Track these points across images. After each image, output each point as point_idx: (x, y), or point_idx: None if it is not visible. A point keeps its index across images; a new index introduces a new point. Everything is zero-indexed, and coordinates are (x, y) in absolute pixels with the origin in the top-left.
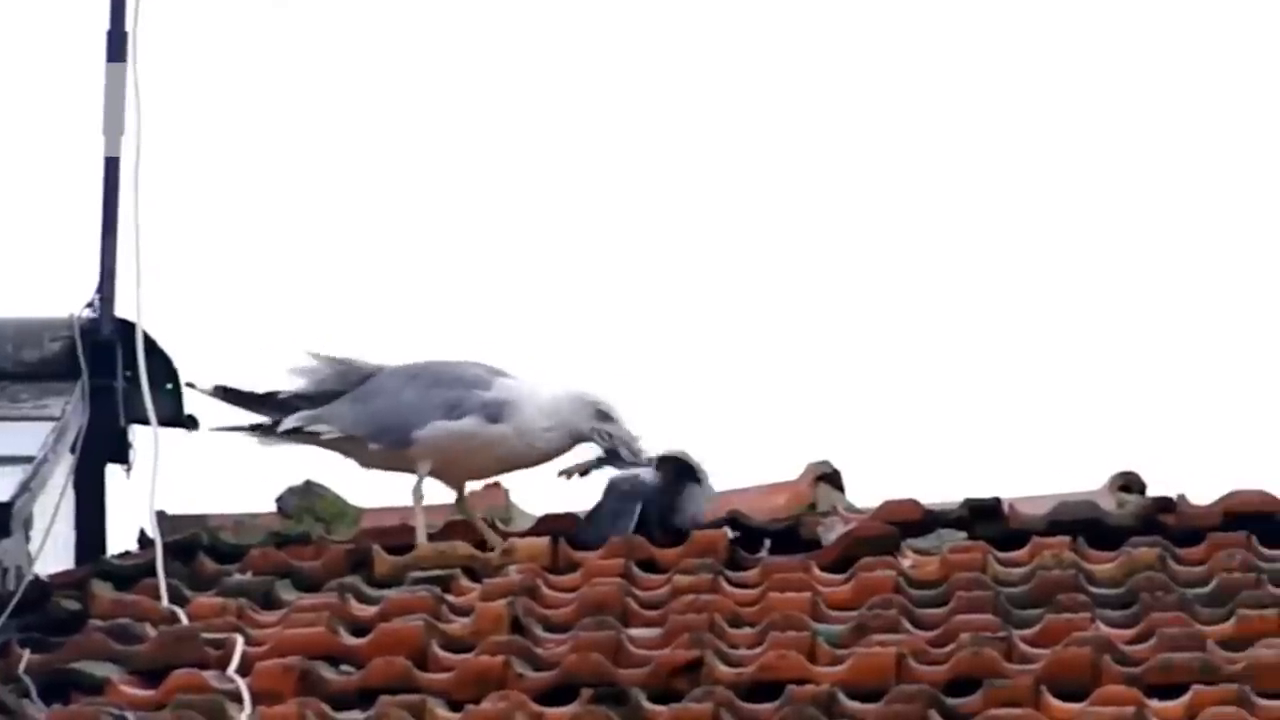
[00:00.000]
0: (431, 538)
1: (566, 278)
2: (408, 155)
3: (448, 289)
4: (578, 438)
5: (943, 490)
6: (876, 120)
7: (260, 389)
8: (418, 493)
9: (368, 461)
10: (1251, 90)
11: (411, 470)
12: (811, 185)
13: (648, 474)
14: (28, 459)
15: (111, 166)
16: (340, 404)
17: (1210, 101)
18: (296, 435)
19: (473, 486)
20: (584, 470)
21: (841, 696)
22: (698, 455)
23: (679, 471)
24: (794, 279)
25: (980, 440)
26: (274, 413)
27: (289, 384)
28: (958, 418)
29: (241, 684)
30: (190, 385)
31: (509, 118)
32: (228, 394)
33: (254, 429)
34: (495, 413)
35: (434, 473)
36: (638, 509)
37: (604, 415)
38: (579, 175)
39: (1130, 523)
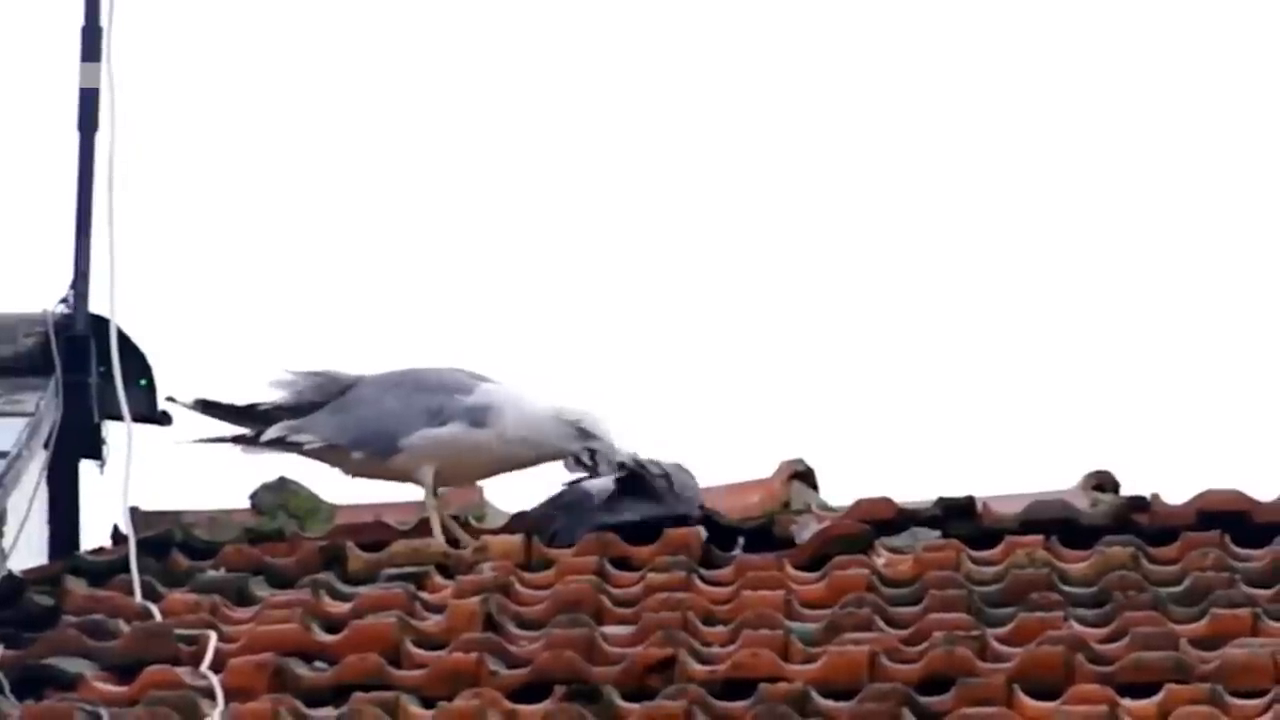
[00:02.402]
0: (404, 535)
1: (541, 277)
2: (389, 157)
3: (428, 289)
4: (558, 456)
5: (916, 489)
6: (848, 126)
7: (240, 401)
8: (430, 501)
9: (351, 470)
10: (1227, 95)
11: (396, 478)
12: (787, 185)
13: (596, 484)
14: (1, 454)
15: (86, 161)
16: (322, 414)
17: (1189, 108)
18: (279, 445)
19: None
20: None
21: (814, 695)
22: (670, 461)
23: (632, 483)
24: (769, 276)
25: (954, 439)
26: (255, 425)
27: (268, 396)
28: (932, 416)
29: (214, 680)
30: (171, 400)
31: (488, 118)
32: (208, 407)
33: (236, 440)
34: (479, 418)
35: (423, 477)
36: (586, 519)
37: (585, 433)
38: (553, 175)
39: (1104, 522)
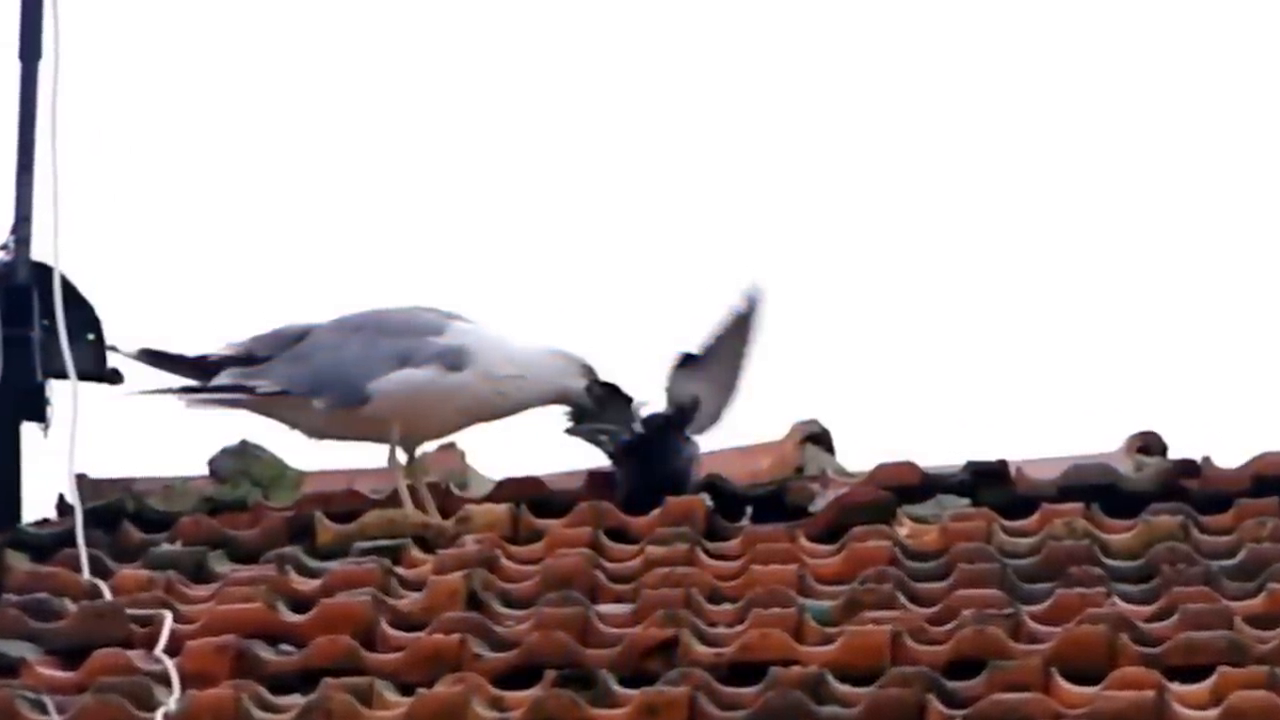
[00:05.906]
0: (378, 504)
1: (535, 224)
2: (343, 102)
3: (388, 239)
4: (563, 397)
5: (943, 452)
6: (880, 69)
7: (189, 353)
8: (394, 461)
9: (313, 428)
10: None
11: (362, 436)
12: (806, 124)
13: (618, 428)
14: None
15: (28, 93)
16: (276, 363)
17: (1253, 62)
18: (229, 394)
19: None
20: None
21: (831, 679)
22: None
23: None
24: (782, 222)
25: (985, 397)
26: (204, 378)
27: (219, 349)
28: (960, 372)
29: (170, 665)
30: (113, 349)
31: (449, 67)
32: (154, 358)
33: (183, 391)
34: (454, 360)
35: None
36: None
37: (589, 369)
38: (535, 120)
39: (1150, 488)
